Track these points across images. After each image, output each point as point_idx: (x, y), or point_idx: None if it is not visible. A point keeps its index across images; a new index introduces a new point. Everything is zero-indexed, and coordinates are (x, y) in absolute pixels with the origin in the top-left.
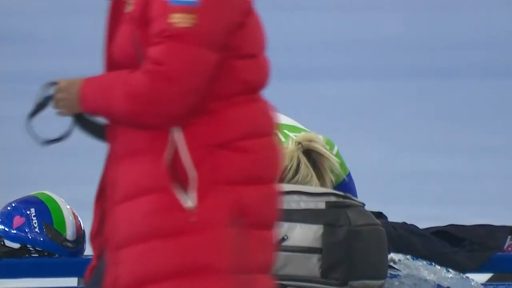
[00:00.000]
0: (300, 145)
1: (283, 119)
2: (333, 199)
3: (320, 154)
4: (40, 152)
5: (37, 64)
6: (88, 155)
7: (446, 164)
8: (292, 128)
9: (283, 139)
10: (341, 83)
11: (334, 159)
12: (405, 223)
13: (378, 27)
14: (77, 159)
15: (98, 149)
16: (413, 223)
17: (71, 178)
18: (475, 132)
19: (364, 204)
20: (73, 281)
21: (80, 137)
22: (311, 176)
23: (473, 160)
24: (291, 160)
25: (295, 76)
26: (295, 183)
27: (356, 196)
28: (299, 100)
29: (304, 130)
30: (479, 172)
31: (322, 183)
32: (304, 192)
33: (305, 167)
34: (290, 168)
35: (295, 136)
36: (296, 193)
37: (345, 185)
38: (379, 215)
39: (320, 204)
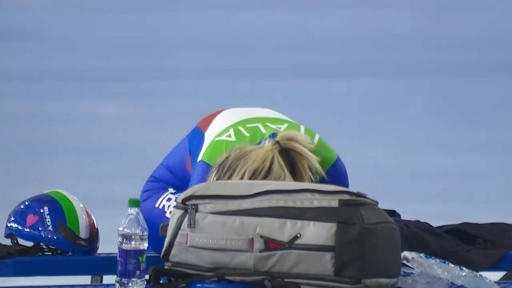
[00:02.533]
0: (277, 145)
1: (267, 113)
2: (346, 197)
3: (298, 153)
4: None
5: (52, 62)
6: (103, 153)
7: (459, 162)
8: (274, 120)
9: (264, 131)
10: (353, 81)
11: (314, 158)
12: (418, 221)
13: (390, 24)
14: (91, 157)
15: (113, 147)
16: (426, 221)
17: (85, 176)
18: (488, 130)
19: (377, 202)
20: (87, 279)
21: (95, 135)
22: (284, 177)
23: (486, 157)
24: (263, 161)
25: (306, 74)
26: None
27: (346, 183)
28: (310, 98)
29: (288, 121)
30: (492, 170)
31: (300, 181)
32: (317, 190)
33: (279, 168)
34: (261, 170)
35: (277, 128)
36: (309, 191)
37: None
38: (392, 213)
39: (333, 202)
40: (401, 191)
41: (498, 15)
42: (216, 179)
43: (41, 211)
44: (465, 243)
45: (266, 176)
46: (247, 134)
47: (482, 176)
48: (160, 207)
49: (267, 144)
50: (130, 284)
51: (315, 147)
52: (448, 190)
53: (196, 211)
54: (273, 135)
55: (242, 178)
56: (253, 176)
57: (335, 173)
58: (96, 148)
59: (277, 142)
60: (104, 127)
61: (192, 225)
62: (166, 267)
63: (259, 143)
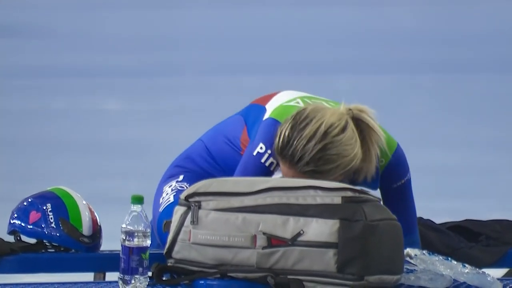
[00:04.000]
0: (350, 111)
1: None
2: (349, 194)
3: (368, 126)
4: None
5: (57, 58)
6: (107, 150)
7: (463, 158)
8: (335, 103)
9: (328, 106)
10: (358, 77)
11: (382, 134)
12: (421, 218)
13: (394, 21)
14: (95, 153)
15: (117, 144)
16: (429, 218)
17: (89, 173)
18: (492, 126)
19: (380, 199)
20: (90, 276)
21: (99, 131)
22: (355, 141)
23: (490, 154)
24: (339, 119)
25: (311, 70)
26: (339, 141)
27: (407, 168)
28: (315, 94)
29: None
30: (495, 166)
31: (367, 156)
32: (320, 187)
33: (351, 131)
34: (337, 126)
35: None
36: (312, 188)
37: (391, 167)
38: None
39: (336, 199)
40: None
41: (502, 12)
42: (291, 127)
43: (44, 208)
44: (468, 240)
45: (340, 133)
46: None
47: (486, 172)
48: (163, 191)
49: (342, 107)
50: (133, 281)
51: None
52: (452, 186)
53: (199, 208)
54: None
55: (318, 128)
56: (329, 129)
57: (396, 159)
58: (100, 144)
59: (350, 109)
60: (109, 124)
61: (195, 222)
62: (169, 264)
63: None
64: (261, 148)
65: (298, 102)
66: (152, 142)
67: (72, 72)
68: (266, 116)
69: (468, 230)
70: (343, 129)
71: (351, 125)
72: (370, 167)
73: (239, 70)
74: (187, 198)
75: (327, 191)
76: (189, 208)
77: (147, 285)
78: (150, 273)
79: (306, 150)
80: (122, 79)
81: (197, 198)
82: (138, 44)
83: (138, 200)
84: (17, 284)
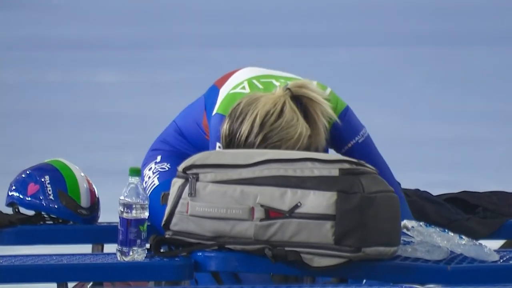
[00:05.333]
0: (288, 91)
1: (282, 73)
2: (346, 166)
3: (310, 99)
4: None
5: (52, 30)
6: (104, 122)
7: (459, 130)
8: (289, 78)
9: (277, 84)
10: (353, 50)
11: (326, 103)
12: (418, 190)
13: None
14: (92, 126)
15: (114, 116)
16: (426, 190)
17: (86, 145)
18: (488, 98)
19: (377, 171)
20: (88, 248)
21: (95, 104)
22: (297, 120)
23: (486, 126)
24: (274, 105)
25: (306, 43)
26: (278, 127)
27: (360, 124)
28: (310, 67)
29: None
30: (492, 138)
31: (314, 129)
32: (317, 159)
33: (290, 111)
34: (273, 113)
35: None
36: (309, 160)
37: (338, 127)
38: None
39: (333, 171)
40: (402, 159)
41: None
42: (229, 126)
43: (42, 180)
44: (464, 212)
45: (277, 119)
46: (260, 86)
47: (482, 144)
48: (144, 175)
49: (278, 90)
50: (131, 253)
51: (328, 97)
52: (449, 158)
53: (197, 180)
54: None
55: (253, 122)
56: (264, 119)
57: (345, 118)
58: (97, 116)
59: (288, 88)
60: (105, 96)
61: (193, 194)
62: (167, 236)
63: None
64: (219, 147)
65: (244, 87)
66: (148, 115)
67: (68, 44)
68: (215, 109)
69: (465, 202)
70: (280, 114)
71: (288, 106)
72: (319, 139)
73: (233, 43)
74: (184, 170)
75: (325, 163)
76: (186, 180)
77: (145, 257)
78: (148, 245)
79: (248, 145)
80: (118, 51)
81: (195, 170)
82: (133, 17)
83: (136, 172)
84: (15, 256)
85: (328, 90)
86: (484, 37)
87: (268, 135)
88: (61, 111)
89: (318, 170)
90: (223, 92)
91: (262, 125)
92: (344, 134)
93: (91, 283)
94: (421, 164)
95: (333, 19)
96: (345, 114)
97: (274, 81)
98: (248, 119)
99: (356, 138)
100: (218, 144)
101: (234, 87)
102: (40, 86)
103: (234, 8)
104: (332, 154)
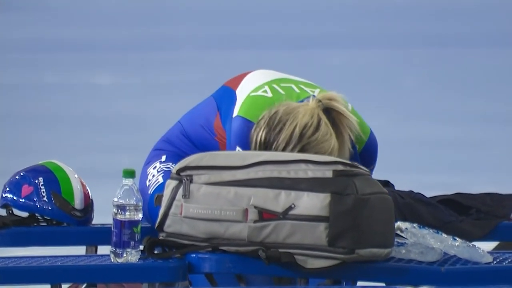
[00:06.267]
0: (320, 103)
1: (296, 77)
2: (340, 167)
3: (339, 113)
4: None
5: (50, 32)
6: (99, 124)
7: (456, 132)
8: (307, 84)
9: (298, 91)
10: (349, 51)
11: (354, 118)
12: (412, 191)
13: None
14: (88, 127)
15: (110, 118)
16: (420, 192)
17: (81, 146)
18: (485, 100)
19: (371, 173)
20: (81, 249)
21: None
22: (330, 135)
23: (483, 127)
24: (311, 117)
25: (304, 45)
26: (315, 140)
27: (375, 159)
28: (307, 68)
29: (319, 87)
30: (488, 140)
31: (341, 142)
32: (311, 160)
33: (325, 125)
34: (310, 125)
35: (311, 91)
36: (303, 161)
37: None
38: (386, 183)
39: (327, 172)
40: (399, 161)
41: None
42: (266, 133)
43: (36, 181)
44: (458, 213)
45: (315, 132)
46: (282, 92)
47: (479, 145)
48: (148, 173)
49: (311, 102)
50: (124, 255)
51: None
52: (445, 159)
53: (191, 181)
54: (312, 97)
55: (293, 132)
56: (303, 131)
57: (369, 147)
58: (92, 118)
59: (320, 100)
60: (101, 98)
61: (186, 195)
62: (160, 238)
63: (299, 101)
64: (238, 151)
65: (266, 91)
66: (144, 117)
67: (64, 46)
68: (236, 111)
69: (458, 204)
70: (317, 127)
71: (323, 120)
72: (343, 152)
73: (232, 44)
74: (178, 172)
75: (318, 164)
76: (180, 182)
77: (139, 259)
78: (141, 247)
79: None
80: (115, 53)
81: (188, 172)
82: (131, 18)
83: (130, 174)
84: (9, 258)
85: (350, 107)
86: (484, 38)
87: (306, 147)
88: (59, 112)
89: (312, 172)
90: (241, 94)
91: (301, 136)
92: (363, 160)
93: (85, 285)
94: (419, 166)
95: (331, 20)
96: (369, 141)
97: (293, 86)
98: (287, 128)
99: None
100: (238, 148)
101: (255, 90)
102: (38, 87)
103: (231, 9)
104: (326, 156)
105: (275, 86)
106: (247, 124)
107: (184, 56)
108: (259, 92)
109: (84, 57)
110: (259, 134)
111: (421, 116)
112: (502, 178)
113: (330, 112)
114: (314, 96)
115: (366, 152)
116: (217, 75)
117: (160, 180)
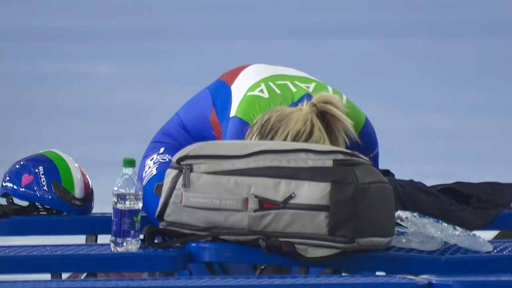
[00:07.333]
0: (315, 107)
1: (293, 71)
2: (340, 157)
3: (334, 117)
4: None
5: (48, 22)
6: (98, 113)
7: (454, 122)
8: (302, 79)
9: (294, 89)
10: (348, 41)
11: (349, 122)
12: (412, 180)
13: None
14: (87, 117)
15: (109, 108)
16: (420, 181)
17: (81, 136)
18: (483, 90)
19: (371, 162)
20: (81, 238)
21: (91, 95)
22: (324, 140)
23: (481, 117)
24: (304, 123)
25: (303, 34)
26: None
27: (376, 143)
28: (306, 58)
29: (315, 81)
30: (487, 130)
31: (335, 144)
32: (311, 150)
33: (318, 131)
34: (303, 132)
35: (306, 86)
36: (303, 151)
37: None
38: (386, 172)
39: (327, 162)
40: (397, 151)
41: None
42: (258, 140)
43: (36, 170)
44: (458, 202)
45: (307, 139)
46: (278, 91)
47: (477, 135)
48: (145, 164)
49: (305, 106)
50: (124, 244)
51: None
52: (443, 150)
53: (191, 171)
54: (307, 96)
55: (285, 139)
56: (295, 138)
57: (365, 134)
58: (92, 108)
59: (314, 104)
60: (100, 88)
61: (186, 184)
62: (160, 227)
63: (294, 103)
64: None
65: (262, 91)
66: (143, 106)
67: (63, 35)
68: (233, 111)
69: (458, 193)
70: (310, 134)
71: (317, 126)
72: None
73: (229, 35)
74: (178, 161)
75: (319, 154)
76: (180, 171)
77: (139, 248)
78: (141, 236)
79: None
80: (113, 43)
81: (188, 161)
82: (129, 8)
83: (130, 163)
84: (9, 247)
85: (344, 99)
86: (480, 28)
87: None
88: (56, 102)
89: (312, 161)
90: (237, 92)
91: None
92: (358, 149)
93: (85, 274)
94: (416, 156)
95: (327, 10)
96: (365, 128)
97: (289, 84)
98: (279, 136)
99: (370, 154)
100: None
101: (251, 89)
102: (35, 77)
103: (228, 0)
104: (327, 145)
105: (271, 84)
106: (244, 125)
107: (184, 47)
108: (256, 92)
109: (82, 47)
110: (250, 139)
111: (419, 106)
112: (500, 168)
113: (325, 115)
114: (309, 95)
115: (362, 139)
116: (217, 66)
117: (154, 171)
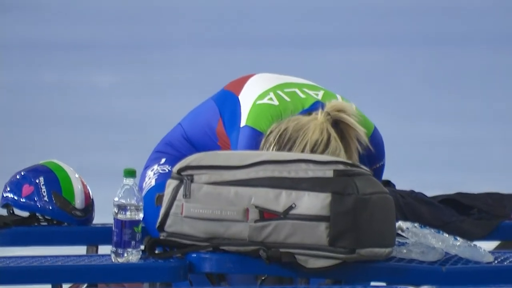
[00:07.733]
0: (329, 116)
1: (299, 79)
2: (341, 167)
3: (348, 125)
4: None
5: (48, 31)
6: (99, 123)
7: (455, 131)
8: (310, 86)
9: (302, 96)
10: (350, 50)
11: (362, 130)
12: (413, 191)
13: None
14: (88, 127)
15: (110, 117)
16: (421, 191)
17: (81, 146)
18: (484, 99)
19: (372, 173)
20: (82, 249)
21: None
22: (340, 150)
23: (482, 126)
24: (321, 133)
25: (304, 44)
26: None
27: (383, 153)
28: (304, 68)
29: (323, 89)
30: (488, 139)
31: (349, 154)
32: (311, 160)
33: (335, 141)
34: (321, 142)
35: (315, 94)
36: (303, 161)
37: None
38: (387, 183)
39: (328, 172)
40: (397, 160)
41: None
42: (276, 151)
43: (37, 181)
44: (459, 213)
45: (325, 149)
46: (288, 99)
47: (478, 144)
48: (146, 175)
49: (320, 115)
50: (125, 254)
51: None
52: (443, 158)
53: (192, 181)
54: (317, 103)
55: (303, 150)
56: (314, 148)
57: (374, 143)
58: (92, 118)
59: (329, 113)
60: (101, 97)
61: (187, 195)
62: (161, 238)
63: (305, 110)
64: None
65: (271, 99)
66: (144, 116)
67: (63, 44)
68: (243, 120)
69: (459, 203)
70: (327, 144)
71: (333, 135)
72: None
73: (230, 44)
74: (179, 171)
75: (319, 164)
76: (181, 181)
77: (140, 258)
78: (142, 247)
79: None
80: (113, 52)
81: (189, 172)
82: (130, 17)
83: (131, 173)
84: (10, 257)
85: (353, 106)
86: (480, 37)
87: None
88: (56, 112)
89: (313, 172)
90: (245, 101)
91: (311, 154)
92: (367, 158)
93: (86, 285)
94: (416, 165)
95: (327, 20)
96: (373, 137)
97: (297, 91)
98: (297, 146)
99: (377, 165)
100: None
101: (260, 97)
102: (35, 86)
103: (228, 9)
104: (327, 156)
105: (279, 92)
106: (256, 134)
107: (184, 56)
108: (265, 100)
109: (82, 56)
110: (269, 151)
111: (419, 114)
112: (500, 177)
113: (338, 124)
114: (321, 103)
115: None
116: (217, 75)
117: (153, 183)
